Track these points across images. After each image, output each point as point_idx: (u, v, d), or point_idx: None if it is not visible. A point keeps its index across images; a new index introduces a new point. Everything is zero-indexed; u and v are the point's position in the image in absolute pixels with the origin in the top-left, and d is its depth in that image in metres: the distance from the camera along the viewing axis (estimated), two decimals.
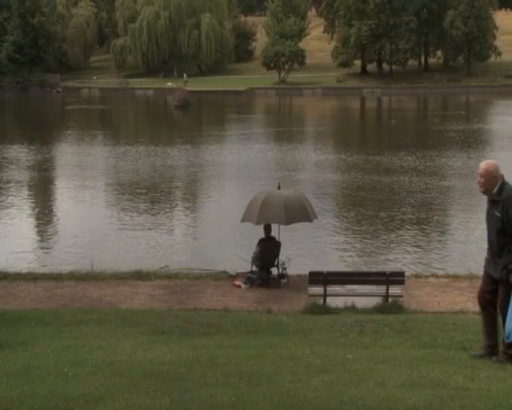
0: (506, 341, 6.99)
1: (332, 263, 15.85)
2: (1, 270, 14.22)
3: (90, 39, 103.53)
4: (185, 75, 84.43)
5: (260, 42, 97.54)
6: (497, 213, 6.96)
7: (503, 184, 7.01)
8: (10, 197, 24.84)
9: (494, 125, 49.14)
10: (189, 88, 74.29)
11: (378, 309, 11.77)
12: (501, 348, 7.15)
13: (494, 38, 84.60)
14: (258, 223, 13.95)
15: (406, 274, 12.87)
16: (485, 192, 7.12)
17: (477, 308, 11.94)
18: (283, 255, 14.27)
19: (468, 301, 12.41)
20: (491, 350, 7.23)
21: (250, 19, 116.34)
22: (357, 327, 9.67)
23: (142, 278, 13.91)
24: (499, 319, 7.16)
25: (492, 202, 7.07)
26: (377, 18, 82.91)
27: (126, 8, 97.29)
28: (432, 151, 34.81)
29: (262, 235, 14.28)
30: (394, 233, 19.27)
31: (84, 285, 13.48)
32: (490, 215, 7.12)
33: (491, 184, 7.01)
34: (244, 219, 14.33)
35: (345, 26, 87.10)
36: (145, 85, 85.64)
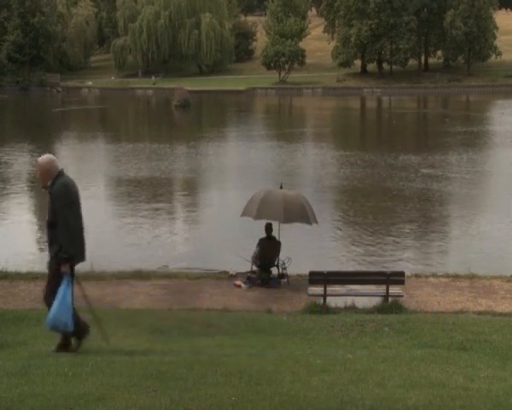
0: (46, 326, 7.21)
1: (332, 263, 15.85)
2: (1, 270, 14.23)
3: (90, 39, 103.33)
4: (153, 77, 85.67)
5: (260, 42, 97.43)
6: (50, 206, 7.20)
7: (58, 177, 7.17)
8: (10, 197, 24.83)
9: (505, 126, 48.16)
10: (189, 88, 74.20)
11: (378, 309, 11.78)
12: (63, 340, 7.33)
13: (494, 37, 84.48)
14: (256, 218, 13.95)
15: (406, 274, 12.86)
16: (44, 187, 7.31)
17: (477, 308, 12.03)
18: (283, 255, 14.28)
19: (468, 301, 12.42)
20: (67, 346, 7.28)
21: (250, 19, 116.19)
22: (357, 327, 9.68)
23: (142, 278, 13.91)
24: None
25: (48, 195, 7.27)
26: (377, 18, 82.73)
27: (127, 7, 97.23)
28: (436, 152, 34.79)
29: (262, 234, 14.29)
30: (395, 233, 19.25)
31: (84, 285, 13.45)
32: (47, 208, 7.32)
33: (46, 177, 7.20)
34: (243, 214, 14.40)
35: (345, 26, 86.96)
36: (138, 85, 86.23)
